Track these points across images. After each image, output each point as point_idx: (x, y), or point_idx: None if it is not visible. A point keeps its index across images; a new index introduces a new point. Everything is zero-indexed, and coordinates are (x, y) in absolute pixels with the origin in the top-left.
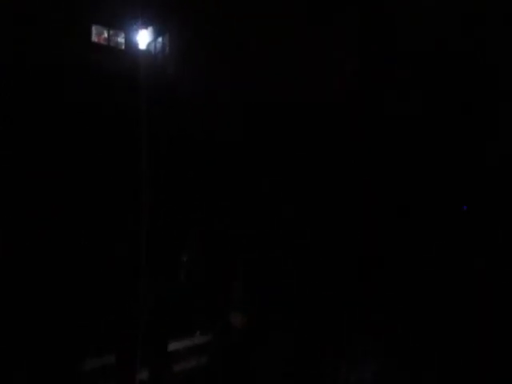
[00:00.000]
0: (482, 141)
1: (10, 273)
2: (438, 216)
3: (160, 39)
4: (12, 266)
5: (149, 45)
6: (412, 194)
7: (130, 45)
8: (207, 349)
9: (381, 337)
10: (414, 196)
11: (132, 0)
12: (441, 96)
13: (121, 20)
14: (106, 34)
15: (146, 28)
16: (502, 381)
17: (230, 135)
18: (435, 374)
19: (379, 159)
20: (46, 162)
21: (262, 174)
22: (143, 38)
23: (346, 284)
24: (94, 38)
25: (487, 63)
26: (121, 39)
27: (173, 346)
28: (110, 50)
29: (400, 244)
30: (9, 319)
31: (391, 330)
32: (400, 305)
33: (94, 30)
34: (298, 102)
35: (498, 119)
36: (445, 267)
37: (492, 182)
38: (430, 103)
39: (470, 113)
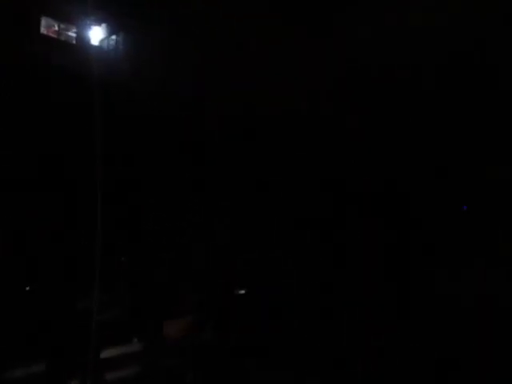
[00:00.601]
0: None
1: None
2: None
3: (113, 37)
4: None
5: (101, 41)
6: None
7: (82, 40)
8: (143, 356)
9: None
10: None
11: None
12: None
13: (73, 14)
14: (56, 27)
15: (99, 24)
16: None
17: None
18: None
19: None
20: None
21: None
22: (96, 34)
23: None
24: (43, 31)
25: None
26: (72, 34)
27: (108, 353)
28: (59, 43)
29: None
30: None
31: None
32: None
33: (44, 21)
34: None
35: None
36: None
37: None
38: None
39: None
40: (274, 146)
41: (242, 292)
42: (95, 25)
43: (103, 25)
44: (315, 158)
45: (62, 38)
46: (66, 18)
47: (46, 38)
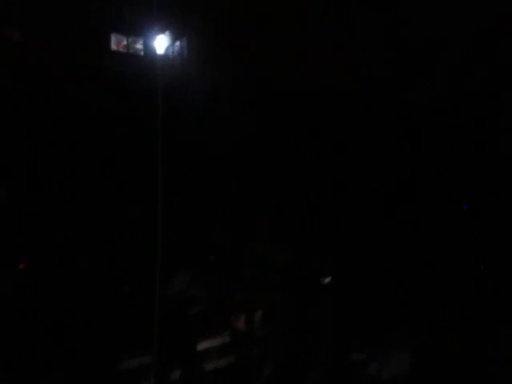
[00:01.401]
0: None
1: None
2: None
3: (178, 43)
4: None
5: (167, 49)
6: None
7: (149, 50)
8: (235, 348)
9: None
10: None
11: (148, 7)
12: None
13: (138, 27)
14: (125, 42)
15: (163, 33)
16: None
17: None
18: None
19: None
20: (63, 164)
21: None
22: (161, 42)
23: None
24: (114, 46)
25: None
26: (139, 45)
27: (203, 345)
28: (129, 56)
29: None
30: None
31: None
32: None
33: (113, 38)
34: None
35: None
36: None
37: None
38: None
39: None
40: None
41: (327, 280)
42: (160, 33)
43: (167, 32)
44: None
45: (131, 51)
46: (133, 32)
47: (116, 53)
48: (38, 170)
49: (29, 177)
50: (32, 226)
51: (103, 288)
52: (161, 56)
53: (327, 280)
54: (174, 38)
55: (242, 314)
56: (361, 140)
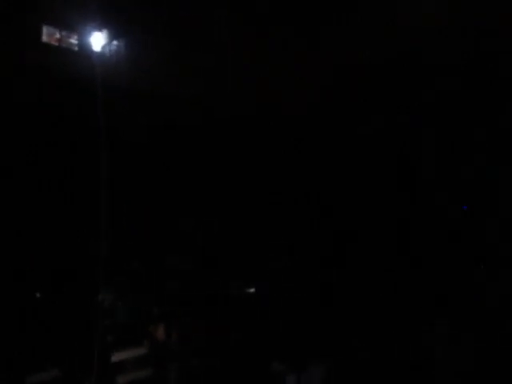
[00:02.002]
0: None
1: None
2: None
3: (115, 42)
4: None
5: (103, 47)
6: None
7: (84, 47)
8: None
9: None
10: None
11: (86, 1)
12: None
13: (74, 21)
14: (57, 35)
15: (101, 30)
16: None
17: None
18: None
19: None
20: None
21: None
22: (97, 40)
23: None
24: (45, 39)
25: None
26: (73, 40)
27: (118, 356)
28: (62, 51)
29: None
30: None
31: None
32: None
33: (45, 29)
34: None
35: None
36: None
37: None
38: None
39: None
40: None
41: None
42: (97, 31)
43: (104, 30)
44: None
45: (64, 46)
46: (67, 26)
47: (47, 45)
48: None
49: None
50: None
51: (16, 295)
52: (97, 53)
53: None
54: (112, 37)
55: (161, 325)
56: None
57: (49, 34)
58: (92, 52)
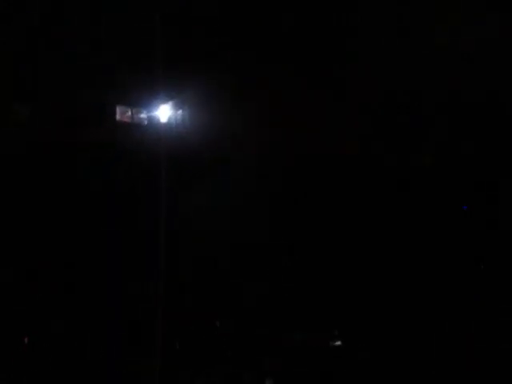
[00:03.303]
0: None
1: None
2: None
3: (180, 111)
4: None
5: (170, 118)
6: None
7: (152, 120)
8: None
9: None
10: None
11: (152, 79)
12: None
13: (143, 98)
14: (129, 113)
15: (166, 103)
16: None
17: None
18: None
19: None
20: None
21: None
22: (164, 112)
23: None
24: (118, 117)
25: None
26: (143, 115)
27: None
28: (133, 126)
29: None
30: None
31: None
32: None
33: (118, 109)
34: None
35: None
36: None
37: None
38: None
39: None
40: None
41: None
42: (163, 103)
43: (169, 102)
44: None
45: (135, 122)
46: (137, 103)
47: (120, 123)
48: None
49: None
50: None
51: None
52: (164, 125)
53: None
54: (177, 107)
55: None
56: None
57: (121, 113)
58: (160, 124)
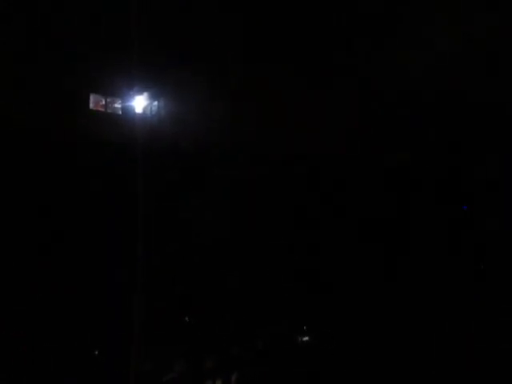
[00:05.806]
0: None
1: None
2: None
3: (155, 102)
4: None
5: (145, 108)
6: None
7: (127, 110)
8: None
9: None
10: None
11: (127, 69)
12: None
13: (117, 88)
14: (103, 102)
15: (142, 93)
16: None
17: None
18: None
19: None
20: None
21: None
22: (139, 102)
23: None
24: (92, 106)
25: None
26: (117, 105)
27: None
28: (107, 116)
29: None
30: None
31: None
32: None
33: (92, 98)
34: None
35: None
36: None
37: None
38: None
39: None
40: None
41: None
42: (138, 94)
43: (145, 93)
44: None
45: (109, 111)
46: (112, 93)
47: (94, 112)
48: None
49: None
50: None
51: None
52: (139, 115)
53: None
54: (152, 99)
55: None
56: None
57: (95, 102)
58: (134, 114)
